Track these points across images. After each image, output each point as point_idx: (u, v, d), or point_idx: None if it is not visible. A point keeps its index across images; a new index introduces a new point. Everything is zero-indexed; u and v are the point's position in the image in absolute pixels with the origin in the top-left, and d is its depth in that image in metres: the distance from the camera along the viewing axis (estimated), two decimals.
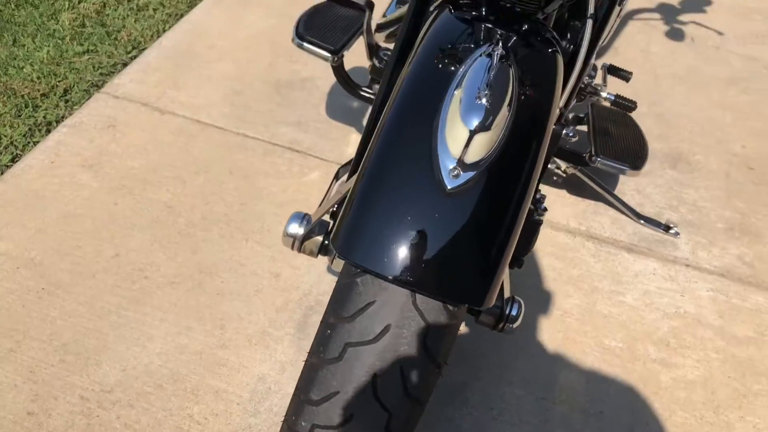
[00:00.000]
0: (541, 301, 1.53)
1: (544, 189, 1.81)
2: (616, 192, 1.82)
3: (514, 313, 1.11)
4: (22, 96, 1.99)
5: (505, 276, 0.88)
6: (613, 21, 1.09)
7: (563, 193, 1.81)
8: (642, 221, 1.73)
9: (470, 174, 0.74)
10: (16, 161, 1.77)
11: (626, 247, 1.68)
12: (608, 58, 2.33)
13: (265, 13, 2.45)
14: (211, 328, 1.41)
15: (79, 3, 2.45)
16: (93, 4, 2.45)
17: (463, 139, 0.74)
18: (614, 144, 1.62)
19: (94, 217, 1.62)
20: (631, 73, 1.79)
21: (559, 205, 1.78)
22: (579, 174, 1.73)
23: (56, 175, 1.72)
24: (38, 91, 2.02)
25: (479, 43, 0.86)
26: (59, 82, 2.06)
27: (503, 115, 0.78)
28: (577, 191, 1.81)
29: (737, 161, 1.95)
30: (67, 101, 2.01)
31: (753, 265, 1.66)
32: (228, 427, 1.26)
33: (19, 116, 1.92)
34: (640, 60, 2.34)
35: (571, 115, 1.71)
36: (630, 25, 2.52)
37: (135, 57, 2.20)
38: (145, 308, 1.44)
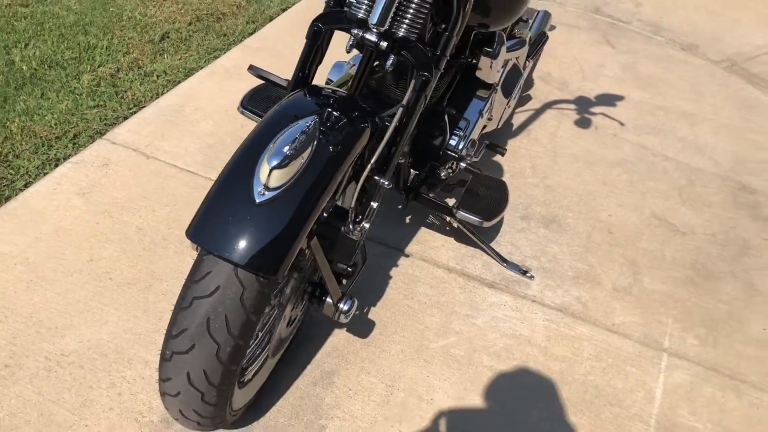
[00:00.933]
0: (409, 316, 1.98)
1: (435, 236, 2.27)
2: (493, 243, 2.28)
3: (345, 308, 1.58)
4: (41, 137, 2.54)
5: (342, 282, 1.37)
6: (420, 108, 1.56)
7: (451, 240, 2.28)
8: (506, 265, 2.18)
9: (271, 194, 1.23)
10: (28, 186, 2.29)
11: (489, 284, 2.13)
12: (521, 137, 2.82)
13: (246, 86, 3.00)
14: (152, 318, 1.88)
15: (98, 67, 3.04)
16: (109, 68, 3.03)
17: (266, 173, 1.23)
18: (478, 202, 2.10)
19: (79, 232, 2.13)
20: (505, 149, 2.28)
21: (445, 249, 2.24)
22: (461, 227, 2.20)
23: (56, 198, 2.25)
24: (54, 134, 2.57)
25: (305, 115, 1.36)
26: (71, 128, 2.62)
27: (300, 160, 1.26)
28: (461, 239, 2.27)
29: (600, 226, 2.41)
30: (75, 144, 2.55)
31: (587, 305, 2.10)
32: (149, 386, 1.71)
33: (36, 153, 2.46)
34: (545, 141, 2.83)
35: (452, 178, 2.18)
36: (547, 113, 3.02)
37: (135, 112, 2.76)
38: (105, 300, 1.92)
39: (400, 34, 1.48)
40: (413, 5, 1.46)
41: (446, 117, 2.09)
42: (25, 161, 2.41)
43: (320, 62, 1.58)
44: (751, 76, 3.44)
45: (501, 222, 2.38)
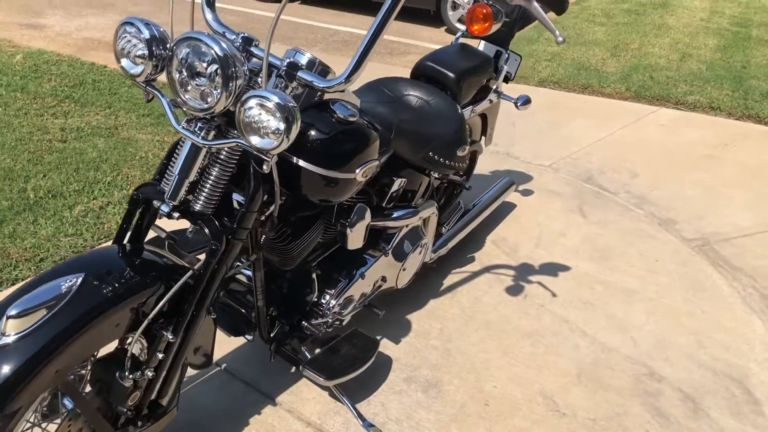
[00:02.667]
0: None
1: (311, 387, 2.39)
2: (364, 401, 2.36)
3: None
4: (12, 258, 2.94)
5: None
6: (221, 274, 1.76)
7: (325, 393, 2.38)
8: (363, 424, 2.25)
9: (6, 340, 1.44)
10: None
11: None
12: (444, 297, 2.92)
13: None
14: None
15: (93, 199, 3.48)
16: (101, 201, 3.47)
17: (4, 321, 1.46)
18: (333, 360, 2.23)
19: None
20: (382, 311, 2.42)
21: (315, 402, 2.35)
22: (331, 386, 2.31)
23: None
24: (24, 257, 2.96)
25: (84, 269, 1.60)
26: (42, 252, 3.01)
27: (42, 311, 1.48)
28: (334, 393, 2.37)
29: (480, 397, 2.43)
30: (38, 267, 2.92)
31: None
32: None
33: (1, 272, 2.85)
34: (467, 304, 2.91)
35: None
36: (482, 276, 3.12)
37: (101, 243, 3.12)
38: None
39: (197, 207, 1.71)
40: (209, 184, 1.71)
41: (314, 275, 2.27)
42: None
43: (151, 222, 1.83)
44: (718, 258, 3.37)
45: (382, 380, 2.46)
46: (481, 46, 3.14)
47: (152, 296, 1.67)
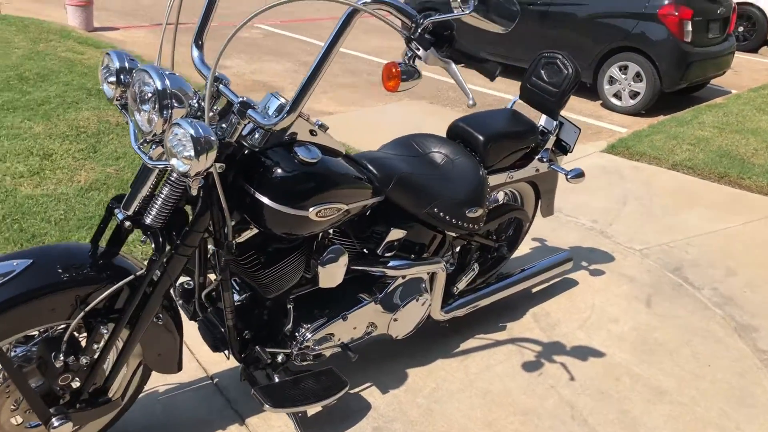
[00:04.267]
0: None
1: (281, 416, 2.50)
2: None
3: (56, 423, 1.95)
4: None
5: None
6: (165, 286, 1.97)
7: (291, 427, 2.48)
8: None
9: None
10: None
11: None
12: (455, 359, 2.89)
13: None
14: None
15: None
16: None
17: None
18: (289, 389, 2.33)
19: None
20: (355, 354, 2.48)
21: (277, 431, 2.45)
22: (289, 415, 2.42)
23: None
24: None
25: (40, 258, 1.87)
26: None
27: None
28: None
29: None
30: None
31: None
32: None
33: None
34: (475, 370, 2.86)
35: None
36: (506, 345, 3.04)
37: None
38: None
39: (147, 221, 1.94)
40: (159, 200, 1.93)
41: (290, 306, 2.39)
42: None
43: (130, 232, 2.09)
44: None
45: (351, 424, 2.50)
46: (542, 120, 3.12)
47: (95, 291, 1.91)
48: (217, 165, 1.90)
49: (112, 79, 1.90)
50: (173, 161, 1.73)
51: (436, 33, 1.95)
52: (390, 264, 2.55)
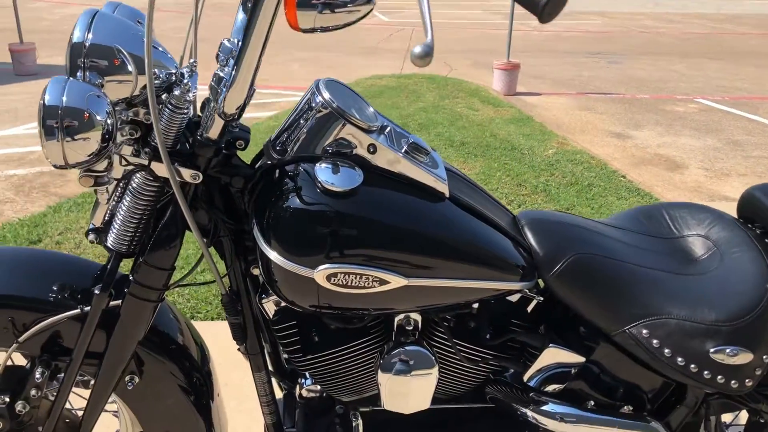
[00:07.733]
0: None
1: None
2: None
3: None
4: None
5: None
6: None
7: None
8: None
9: None
10: None
11: None
12: None
13: None
14: None
15: None
16: None
17: None
18: None
19: None
20: None
21: None
22: None
23: None
24: None
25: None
26: None
27: None
28: None
29: None
30: None
31: None
32: None
33: None
34: None
35: None
36: None
37: None
38: None
39: (107, 243, 1.37)
40: (119, 219, 1.35)
41: (355, 422, 1.52)
42: None
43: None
44: None
45: None
46: None
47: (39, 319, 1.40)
48: (189, 172, 1.24)
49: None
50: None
51: None
52: (545, 408, 1.45)
